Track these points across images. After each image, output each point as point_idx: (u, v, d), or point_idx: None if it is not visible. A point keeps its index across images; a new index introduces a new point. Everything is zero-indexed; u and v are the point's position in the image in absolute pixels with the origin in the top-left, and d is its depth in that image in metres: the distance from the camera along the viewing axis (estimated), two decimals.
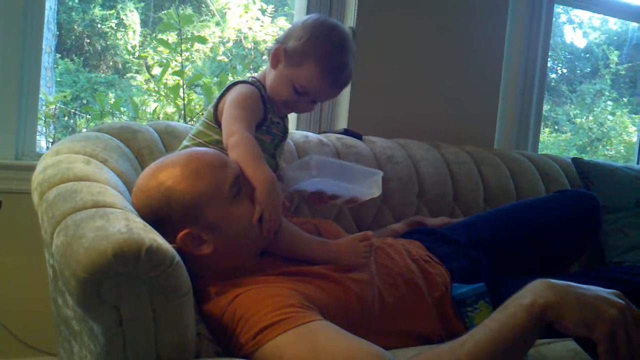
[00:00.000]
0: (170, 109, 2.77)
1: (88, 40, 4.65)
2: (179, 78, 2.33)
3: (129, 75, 4.46)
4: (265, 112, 1.31)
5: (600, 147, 5.38)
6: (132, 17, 4.66)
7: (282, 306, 1.00)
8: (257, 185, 1.13)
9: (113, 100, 3.61)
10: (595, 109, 5.61)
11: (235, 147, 1.19)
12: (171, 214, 1.08)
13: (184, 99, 2.35)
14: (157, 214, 1.07)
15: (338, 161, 1.52)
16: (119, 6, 4.59)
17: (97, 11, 4.60)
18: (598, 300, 0.87)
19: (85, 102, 4.10)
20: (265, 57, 4.24)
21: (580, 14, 5.77)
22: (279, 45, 1.30)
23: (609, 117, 5.52)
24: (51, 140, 2.99)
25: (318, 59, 1.26)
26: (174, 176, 1.09)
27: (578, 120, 5.63)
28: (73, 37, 4.61)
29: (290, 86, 1.29)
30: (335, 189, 1.33)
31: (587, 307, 0.86)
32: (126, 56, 4.65)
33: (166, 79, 2.92)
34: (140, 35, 4.72)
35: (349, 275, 1.18)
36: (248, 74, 3.34)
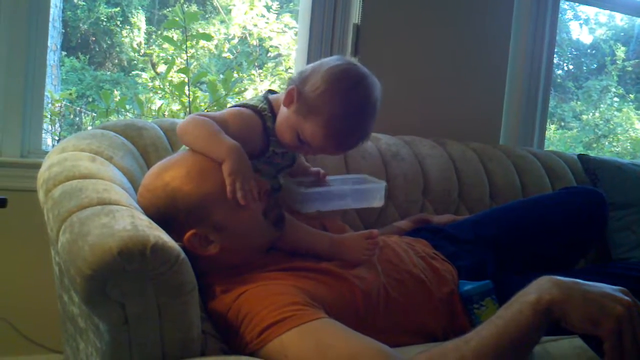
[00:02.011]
0: (175, 107, 2.78)
1: (93, 38, 4.66)
2: (184, 75, 2.33)
3: (134, 72, 4.47)
4: (267, 144, 1.23)
5: (607, 143, 5.35)
6: (137, 15, 4.67)
7: (286, 304, 1.00)
8: (223, 159, 1.08)
9: (118, 97, 3.62)
10: (602, 105, 5.59)
11: (185, 133, 1.14)
12: (177, 214, 1.08)
13: (189, 96, 2.35)
14: (163, 214, 1.07)
15: (331, 189, 1.39)
16: (124, 4, 4.60)
17: (103, 9, 4.61)
18: (604, 297, 0.87)
19: (90, 99, 4.12)
20: (270, 54, 4.25)
21: (587, 10, 5.75)
22: (295, 84, 1.17)
23: (616, 113, 5.50)
24: (57, 138, 3.00)
25: (326, 119, 1.13)
26: (180, 177, 1.09)
27: (584, 117, 5.61)
28: (78, 35, 4.62)
29: (295, 133, 1.18)
30: (333, 208, 1.33)
31: (593, 304, 0.86)
32: (131, 54, 4.66)
33: (171, 77, 2.93)
34: (145, 33, 4.73)
35: (354, 272, 1.18)
36: (253, 71, 3.34)
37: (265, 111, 1.22)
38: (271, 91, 1.30)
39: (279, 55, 4.21)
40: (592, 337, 0.88)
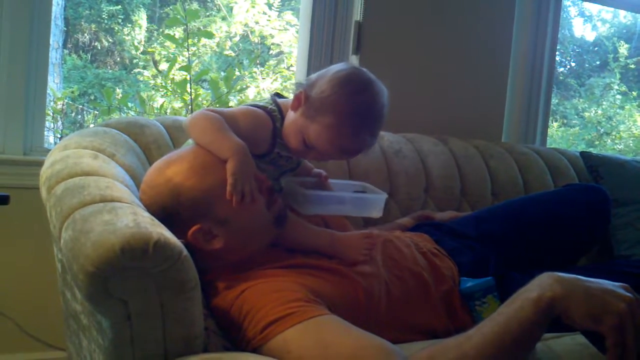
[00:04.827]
0: (177, 104, 2.78)
1: (95, 36, 4.67)
2: (185, 73, 2.33)
3: (136, 70, 4.47)
4: (273, 145, 1.23)
5: (609, 141, 5.35)
6: (139, 13, 4.68)
7: (288, 300, 1.00)
8: (227, 157, 1.08)
9: (120, 95, 3.62)
10: (604, 102, 5.58)
11: (193, 127, 1.14)
12: (180, 210, 1.08)
13: (191, 94, 2.35)
14: (166, 210, 1.07)
15: (332, 194, 1.38)
16: (126, 2, 4.60)
17: (104, 7, 4.62)
18: (606, 293, 0.86)
19: (92, 97, 4.13)
20: (271, 52, 4.25)
21: (590, 7, 5.74)
22: (303, 88, 1.19)
23: (618, 110, 5.49)
24: (59, 136, 3.01)
25: (331, 121, 1.14)
26: (182, 172, 1.09)
27: (587, 114, 5.60)
28: (80, 33, 4.63)
29: (301, 137, 1.18)
30: (331, 212, 1.33)
31: (595, 301, 0.86)
32: (133, 52, 4.66)
33: (173, 74, 2.93)
34: (146, 31, 4.73)
35: (356, 268, 1.19)
36: (254, 69, 3.35)
37: (275, 112, 1.23)
38: (277, 94, 1.31)
39: (281, 52, 4.21)
40: (594, 334, 0.87)
